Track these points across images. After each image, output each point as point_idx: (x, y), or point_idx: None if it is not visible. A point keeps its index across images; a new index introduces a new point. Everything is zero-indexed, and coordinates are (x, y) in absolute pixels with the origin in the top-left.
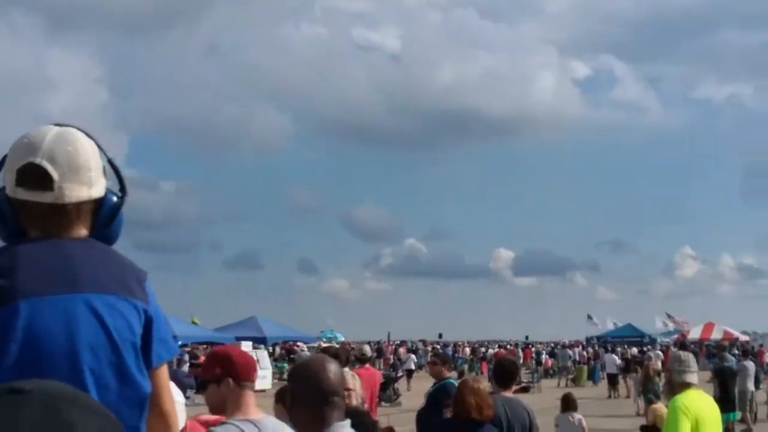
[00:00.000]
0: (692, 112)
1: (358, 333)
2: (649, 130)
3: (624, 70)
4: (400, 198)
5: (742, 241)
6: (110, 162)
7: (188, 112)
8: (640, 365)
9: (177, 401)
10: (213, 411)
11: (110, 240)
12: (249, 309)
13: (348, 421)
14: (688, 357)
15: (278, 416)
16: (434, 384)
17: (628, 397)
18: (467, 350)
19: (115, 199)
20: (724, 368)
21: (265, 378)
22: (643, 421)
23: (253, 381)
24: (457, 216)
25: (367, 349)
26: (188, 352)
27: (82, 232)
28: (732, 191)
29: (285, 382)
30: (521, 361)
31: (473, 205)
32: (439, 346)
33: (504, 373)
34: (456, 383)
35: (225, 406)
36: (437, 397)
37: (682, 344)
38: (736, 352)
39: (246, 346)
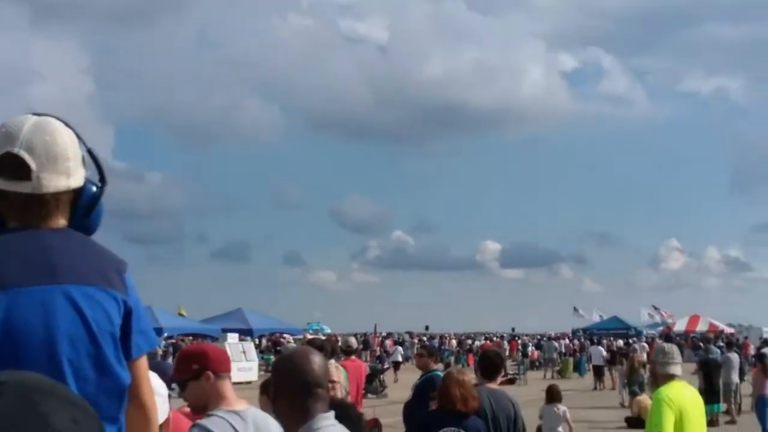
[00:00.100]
0: (679, 105)
1: (345, 325)
2: (636, 122)
3: (611, 63)
4: (388, 190)
5: (728, 234)
6: (89, 151)
7: (175, 104)
8: (625, 357)
9: (161, 394)
10: (195, 408)
11: (90, 230)
12: (235, 301)
13: (332, 413)
14: (672, 349)
15: (263, 408)
16: (421, 376)
17: (613, 388)
18: (454, 342)
19: (94, 188)
20: (709, 360)
21: (251, 370)
22: (628, 412)
23: (230, 371)
24: (444, 208)
25: (353, 341)
26: (172, 344)
27: (61, 222)
28: (718, 184)
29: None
30: (507, 353)
31: (460, 197)
32: (425, 338)
33: (489, 364)
34: (442, 375)
35: (206, 402)
36: (424, 389)
37: (668, 336)
38: (721, 344)
39: (232, 338)
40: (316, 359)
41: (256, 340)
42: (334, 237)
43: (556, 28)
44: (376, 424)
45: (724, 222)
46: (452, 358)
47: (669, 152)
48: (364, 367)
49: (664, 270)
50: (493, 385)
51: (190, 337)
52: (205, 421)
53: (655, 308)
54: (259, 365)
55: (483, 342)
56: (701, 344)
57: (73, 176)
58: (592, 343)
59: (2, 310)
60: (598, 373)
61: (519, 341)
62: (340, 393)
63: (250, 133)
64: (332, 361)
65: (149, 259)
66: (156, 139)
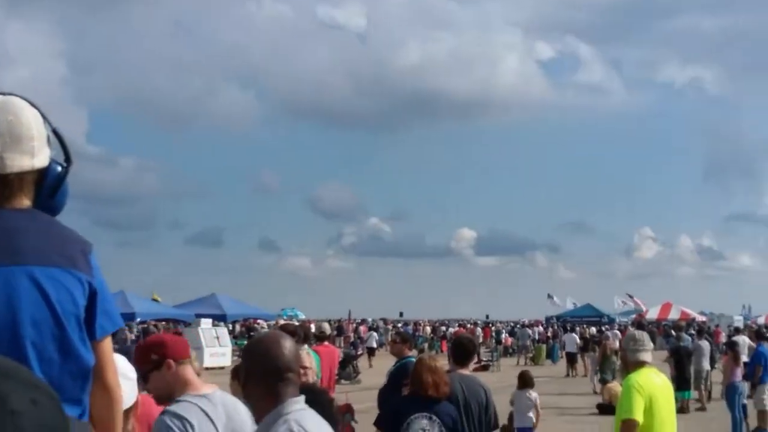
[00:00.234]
0: (654, 94)
1: (320, 311)
2: (612, 112)
3: (588, 52)
4: (364, 177)
5: (701, 224)
6: (54, 131)
7: (150, 88)
8: (598, 344)
9: (130, 378)
10: (159, 398)
11: (55, 211)
12: (210, 287)
13: (302, 397)
14: (643, 336)
15: (234, 393)
16: (396, 363)
17: (585, 375)
18: (428, 329)
19: (59, 169)
20: (680, 348)
21: (224, 355)
22: (599, 399)
23: (189, 357)
24: (420, 196)
25: (326, 326)
26: (143, 329)
27: (25, 202)
28: (692, 174)
29: None
30: (481, 340)
31: (436, 185)
32: (400, 325)
33: (461, 351)
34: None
35: (171, 390)
36: (398, 376)
37: (640, 324)
38: (693, 332)
39: (206, 324)
40: (287, 344)
41: (230, 326)
42: (309, 223)
43: (533, 17)
44: (348, 409)
45: (698, 211)
46: (426, 345)
47: (644, 142)
48: (338, 353)
49: (638, 258)
50: (466, 371)
51: (164, 323)
52: (174, 407)
53: (629, 296)
54: (233, 351)
55: (457, 329)
56: (673, 332)
57: (38, 156)
58: (566, 331)
59: None
60: (571, 360)
61: (493, 328)
62: (312, 379)
63: (226, 119)
64: (305, 346)
65: (123, 244)
66: (130, 124)
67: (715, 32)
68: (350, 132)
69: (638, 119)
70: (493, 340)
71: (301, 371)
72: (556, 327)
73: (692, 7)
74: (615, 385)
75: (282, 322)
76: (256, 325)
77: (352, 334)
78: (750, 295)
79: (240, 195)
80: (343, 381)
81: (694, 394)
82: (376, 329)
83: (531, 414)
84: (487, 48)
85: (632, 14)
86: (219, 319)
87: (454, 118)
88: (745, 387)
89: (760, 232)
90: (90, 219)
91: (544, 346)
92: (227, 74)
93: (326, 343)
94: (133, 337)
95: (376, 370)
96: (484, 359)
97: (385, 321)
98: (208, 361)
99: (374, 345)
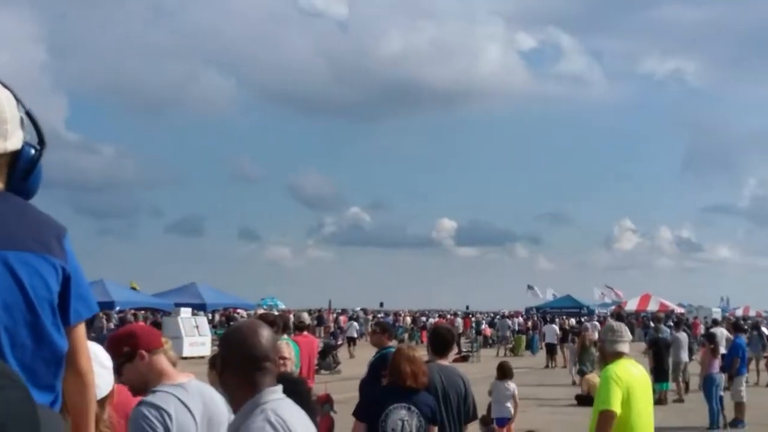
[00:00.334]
0: (635, 86)
1: (300, 301)
2: (593, 103)
3: (569, 43)
4: (345, 167)
5: (680, 215)
6: (28, 113)
7: (130, 74)
8: (577, 336)
9: (106, 366)
10: (134, 390)
11: (28, 194)
12: (190, 275)
13: (280, 387)
14: (621, 327)
15: (212, 383)
16: (376, 353)
17: (565, 366)
18: (408, 319)
19: (33, 151)
20: (659, 339)
21: (204, 345)
22: (578, 390)
23: (162, 347)
24: (401, 185)
25: (306, 316)
26: (120, 318)
27: None
28: (672, 166)
29: None
30: (461, 330)
31: (417, 175)
32: (380, 315)
33: (440, 341)
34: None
35: (145, 381)
36: (378, 366)
37: (619, 315)
38: (671, 323)
39: (185, 313)
40: (265, 332)
41: (210, 315)
42: (290, 212)
43: (515, 7)
44: (328, 399)
45: (677, 203)
46: (406, 335)
47: (624, 133)
48: (317, 343)
49: (618, 250)
50: (444, 362)
51: (143, 312)
52: (151, 398)
53: (608, 287)
54: (212, 340)
55: (437, 319)
56: (652, 324)
57: (11, 139)
58: (546, 322)
59: None
60: (551, 351)
61: (473, 319)
62: (290, 369)
63: (207, 106)
64: (284, 336)
65: (102, 232)
66: (110, 111)
67: (697, 24)
68: (331, 121)
69: (619, 110)
70: (473, 331)
71: (280, 361)
72: (536, 318)
73: None
74: (593, 377)
75: (261, 311)
76: (235, 315)
77: (332, 324)
78: (728, 287)
79: (220, 183)
80: (322, 371)
81: (672, 385)
82: (356, 319)
83: (509, 404)
84: (469, 38)
85: (614, 5)
86: (198, 308)
87: (436, 107)
88: (722, 379)
89: (738, 224)
90: (69, 207)
91: (523, 337)
92: (208, 61)
93: (305, 333)
94: (112, 326)
95: (356, 360)
96: (464, 350)
97: (365, 311)
98: (188, 351)
99: (354, 334)
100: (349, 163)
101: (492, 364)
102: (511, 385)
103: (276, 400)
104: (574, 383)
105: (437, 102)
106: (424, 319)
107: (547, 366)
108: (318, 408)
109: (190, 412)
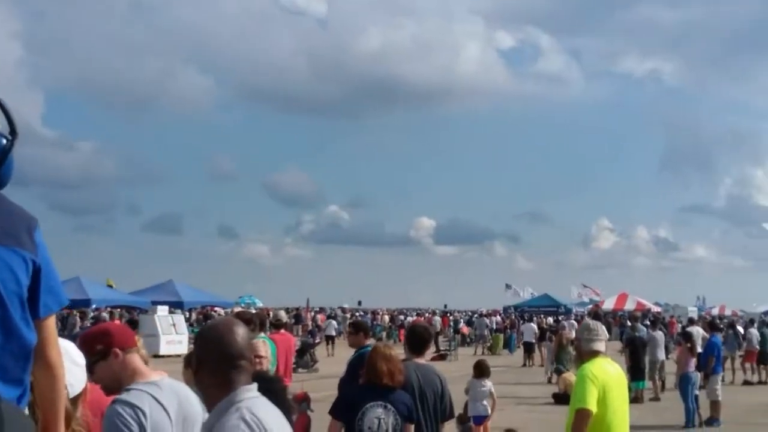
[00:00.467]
0: (613, 85)
1: (278, 299)
2: (571, 102)
3: (548, 42)
4: (323, 165)
5: (657, 215)
6: None
7: (107, 70)
8: (554, 334)
9: (78, 363)
10: (107, 389)
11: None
12: (167, 273)
13: (255, 385)
14: (597, 325)
15: (188, 381)
16: (355, 352)
17: (542, 365)
18: (386, 318)
19: (4, 141)
20: (635, 338)
21: (181, 343)
22: (555, 389)
23: (136, 345)
24: (380, 184)
25: (283, 314)
26: (95, 316)
27: None
28: (650, 165)
29: None
30: (439, 329)
31: (396, 173)
32: (358, 314)
33: (417, 339)
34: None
35: (118, 379)
36: (357, 365)
37: (596, 314)
38: (648, 322)
39: (162, 311)
40: (240, 331)
41: (187, 313)
42: (268, 211)
43: (495, 6)
44: (305, 397)
45: (654, 202)
46: (384, 334)
47: (602, 133)
48: (294, 341)
49: (595, 249)
50: (421, 360)
51: (119, 309)
52: (125, 396)
53: (585, 286)
54: (190, 338)
55: (415, 318)
56: (628, 322)
57: None
58: (524, 321)
59: None
60: (528, 349)
61: (451, 318)
62: (266, 367)
63: (186, 103)
64: (261, 334)
65: (79, 229)
66: (88, 108)
67: (675, 24)
68: (310, 118)
69: (597, 110)
70: (451, 330)
71: (256, 360)
72: (513, 317)
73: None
74: (570, 375)
75: (237, 309)
76: (213, 313)
77: (310, 323)
78: (704, 286)
79: (198, 180)
80: (300, 369)
81: (648, 384)
82: (334, 318)
83: (486, 402)
84: (449, 36)
85: (592, 5)
86: (176, 306)
87: (415, 105)
88: (698, 377)
89: (714, 224)
90: (46, 203)
91: (501, 336)
92: (186, 58)
93: (282, 331)
94: (88, 324)
95: (335, 359)
96: (442, 348)
97: (343, 309)
98: (165, 349)
99: (333, 333)
100: (328, 161)
101: (469, 363)
102: (488, 384)
103: (251, 398)
104: (550, 382)
105: (416, 100)
106: (402, 317)
107: (524, 364)
108: (294, 406)
109: (165, 410)
